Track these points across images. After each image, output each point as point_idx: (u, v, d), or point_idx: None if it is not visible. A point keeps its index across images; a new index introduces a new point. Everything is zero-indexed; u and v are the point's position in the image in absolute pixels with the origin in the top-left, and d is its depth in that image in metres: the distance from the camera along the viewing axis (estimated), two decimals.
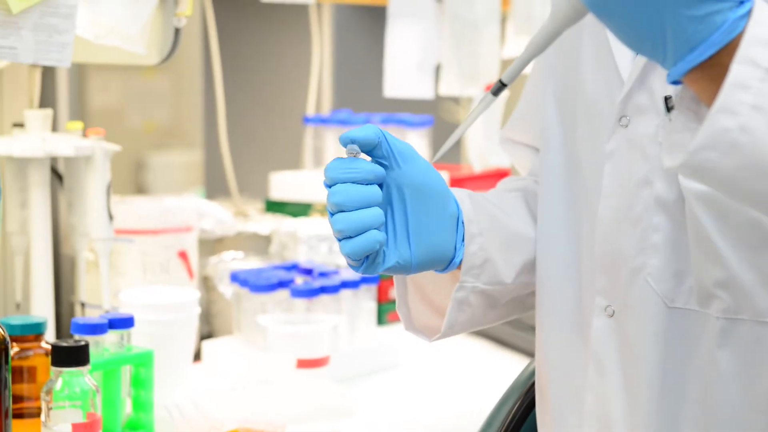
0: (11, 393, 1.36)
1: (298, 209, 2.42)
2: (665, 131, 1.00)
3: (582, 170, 1.25)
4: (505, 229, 1.28)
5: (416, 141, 2.52)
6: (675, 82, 0.98)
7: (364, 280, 2.03)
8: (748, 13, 0.94)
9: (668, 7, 0.93)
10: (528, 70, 1.15)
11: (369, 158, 1.16)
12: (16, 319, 1.51)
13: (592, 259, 1.23)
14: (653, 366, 1.16)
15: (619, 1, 0.95)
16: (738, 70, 0.93)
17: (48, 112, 1.79)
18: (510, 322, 2.13)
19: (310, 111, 2.70)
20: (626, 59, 1.20)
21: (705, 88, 0.96)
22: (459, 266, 1.24)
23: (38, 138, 1.75)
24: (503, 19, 2.66)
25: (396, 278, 1.30)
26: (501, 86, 1.06)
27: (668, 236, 1.15)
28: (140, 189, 4.28)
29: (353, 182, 1.13)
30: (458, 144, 2.83)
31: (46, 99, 1.99)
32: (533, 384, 1.41)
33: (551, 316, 1.29)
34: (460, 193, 1.25)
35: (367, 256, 1.15)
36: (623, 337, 1.20)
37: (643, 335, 1.17)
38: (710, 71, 0.95)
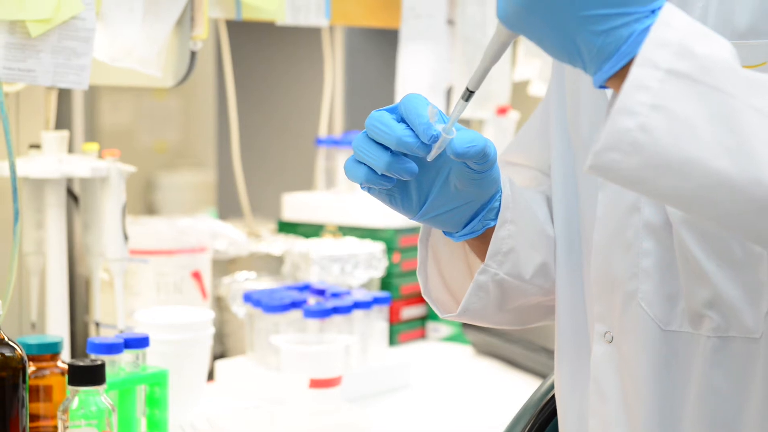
0: (28, 412, 1.38)
1: (311, 230, 2.43)
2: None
3: (582, 201, 1.26)
4: (533, 222, 1.29)
5: None
6: (602, 87, 1.00)
7: (376, 301, 2.04)
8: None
9: (573, 25, 0.97)
10: (535, 91, 1.17)
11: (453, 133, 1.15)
12: (33, 339, 1.53)
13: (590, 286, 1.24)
14: (652, 391, 1.17)
15: (528, 21, 0.98)
16: (637, 72, 0.96)
17: (64, 133, 1.81)
18: (522, 343, 2.15)
19: (323, 132, 2.72)
20: None
21: None
22: (470, 238, 1.25)
23: (55, 159, 1.76)
24: (514, 42, 2.67)
25: (420, 243, 1.31)
26: (469, 93, 1.11)
27: (658, 261, 1.17)
28: (150, 209, 4.29)
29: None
30: None
31: (62, 120, 2.00)
32: (545, 405, 1.42)
33: (562, 341, 1.30)
34: (503, 176, 1.26)
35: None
36: (622, 363, 1.20)
37: (640, 360, 1.18)
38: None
